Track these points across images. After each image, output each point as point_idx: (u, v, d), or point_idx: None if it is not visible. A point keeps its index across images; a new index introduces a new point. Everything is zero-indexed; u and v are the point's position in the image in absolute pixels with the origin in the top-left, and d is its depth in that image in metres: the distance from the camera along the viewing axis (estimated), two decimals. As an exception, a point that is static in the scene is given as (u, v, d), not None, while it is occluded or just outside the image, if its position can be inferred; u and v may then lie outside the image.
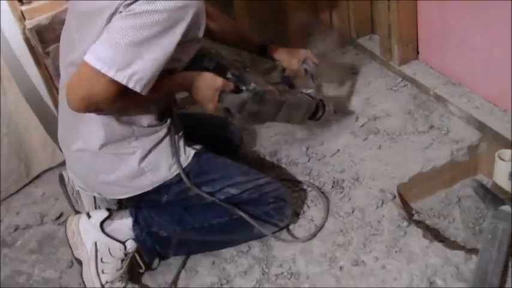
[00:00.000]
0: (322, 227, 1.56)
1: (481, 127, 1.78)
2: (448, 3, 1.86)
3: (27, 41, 1.78)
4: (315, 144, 1.87)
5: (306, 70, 1.69)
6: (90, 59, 1.17)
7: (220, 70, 1.47)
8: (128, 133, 1.37)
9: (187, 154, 1.45)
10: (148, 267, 1.54)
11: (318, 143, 1.87)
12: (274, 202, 1.50)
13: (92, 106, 1.23)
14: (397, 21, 2.03)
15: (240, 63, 1.61)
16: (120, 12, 1.16)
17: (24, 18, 1.75)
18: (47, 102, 1.93)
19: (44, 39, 1.77)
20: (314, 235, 1.54)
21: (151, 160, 1.41)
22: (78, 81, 1.21)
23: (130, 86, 1.19)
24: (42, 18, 1.74)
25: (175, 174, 1.43)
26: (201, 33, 1.30)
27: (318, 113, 1.71)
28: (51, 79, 1.87)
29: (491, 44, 1.74)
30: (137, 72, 1.19)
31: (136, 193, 1.44)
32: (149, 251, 1.49)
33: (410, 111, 1.95)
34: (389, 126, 1.90)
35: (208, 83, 1.38)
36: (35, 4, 1.76)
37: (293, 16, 2.27)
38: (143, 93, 1.22)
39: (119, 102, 1.25)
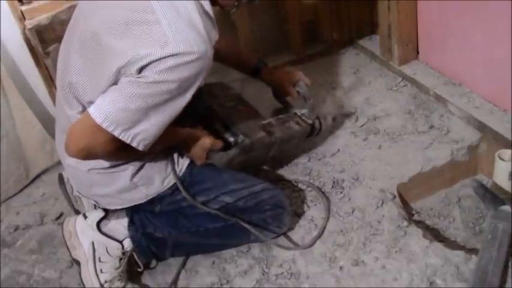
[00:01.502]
0: (322, 232, 1.55)
1: (481, 127, 1.78)
2: (448, 3, 1.86)
3: (27, 41, 1.78)
4: (315, 144, 1.87)
5: (298, 92, 1.71)
6: (97, 116, 1.16)
7: (210, 116, 1.54)
8: (121, 162, 1.38)
9: (181, 165, 1.45)
10: (147, 266, 1.54)
11: (318, 143, 1.87)
12: (271, 209, 1.48)
13: (91, 157, 1.25)
14: (397, 21, 2.03)
15: (233, 99, 1.65)
16: (131, 74, 1.13)
17: (24, 18, 1.75)
18: (47, 103, 1.93)
19: (44, 39, 1.77)
20: (315, 241, 1.53)
21: (144, 174, 1.41)
22: (80, 133, 1.21)
23: (134, 144, 1.21)
24: (42, 18, 1.74)
25: (168, 186, 1.43)
26: (203, 83, 1.26)
27: (314, 133, 1.73)
28: (51, 79, 1.87)
29: (491, 44, 1.74)
30: (142, 132, 1.19)
31: (131, 205, 1.46)
32: (145, 251, 1.49)
33: (410, 111, 1.95)
34: (389, 126, 1.90)
35: (199, 143, 1.42)
36: (35, 4, 1.76)
37: (293, 16, 2.27)
38: (144, 150, 1.24)
39: (117, 155, 1.28)
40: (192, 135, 1.43)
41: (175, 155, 1.45)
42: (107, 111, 1.16)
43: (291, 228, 1.56)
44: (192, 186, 1.44)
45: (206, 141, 1.44)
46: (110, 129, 1.16)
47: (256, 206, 1.47)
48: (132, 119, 1.17)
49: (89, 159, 1.28)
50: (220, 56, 1.65)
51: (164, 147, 1.40)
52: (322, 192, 1.67)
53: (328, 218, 1.58)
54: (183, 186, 1.42)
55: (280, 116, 1.70)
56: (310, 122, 1.70)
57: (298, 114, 1.71)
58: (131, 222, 1.47)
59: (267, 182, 1.53)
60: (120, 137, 1.18)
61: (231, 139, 1.50)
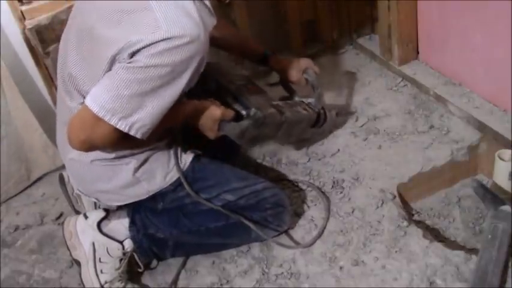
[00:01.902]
0: (322, 232, 1.55)
1: (481, 127, 1.78)
2: (448, 3, 1.86)
3: (27, 41, 1.78)
4: (315, 144, 1.87)
5: (306, 80, 1.71)
6: (93, 105, 1.16)
7: (220, 91, 1.49)
8: (124, 153, 1.38)
9: (184, 162, 1.45)
10: (147, 266, 1.54)
11: (318, 143, 1.87)
12: (271, 208, 1.48)
13: (93, 148, 1.25)
14: (397, 21, 2.03)
15: (242, 79, 1.62)
16: (124, 59, 1.14)
17: (24, 18, 1.75)
18: (47, 103, 1.93)
19: (44, 39, 1.77)
20: (315, 240, 1.53)
21: (147, 169, 1.41)
22: (79, 125, 1.21)
23: (132, 133, 1.20)
24: (42, 18, 1.74)
25: (170, 182, 1.43)
26: (202, 68, 1.26)
27: (319, 123, 1.73)
28: (51, 79, 1.87)
29: (491, 44, 1.74)
30: (139, 120, 1.19)
31: (132, 201, 1.46)
32: (146, 252, 1.49)
33: (410, 111, 1.95)
34: (389, 126, 1.90)
35: (208, 114, 1.39)
36: (35, 4, 1.75)
37: (293, 16, 2.27)
38: (144, 139, 1.23)
39: (119, 144, 1.27)
40: (199, 107, 1.38)
41: (179, 150, 1.45)
42: (102, 100, 1.15)
43: (290, 228, 1.56)
44: (195, 183, 1.43)
45: (216, 111, 1.39)
46: (106, 119, 1.16)
47: (257, 204, 1.47)
48: (128, 107, 1.16)
49: (92, 150, 1.27)
50: (228, 45, 1.67)
51: (170, 126, 1.38)
52: (322, 192, 1.67)
53: (328, 218, 1.58)
54: (187, 181, 1.41)
55: (288, 101, 1.69)
56: (316, 110, 1.69)
57: (305, 102, 1.71)
58: (132, 223, 1.47)
59: (267, 181, 1.53)
60: (118, 126, 1.18)
61: (244, 112, 1.46)
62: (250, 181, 1.49)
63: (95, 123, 1.18)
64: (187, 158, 1.45)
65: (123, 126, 1.18)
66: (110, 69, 1.17)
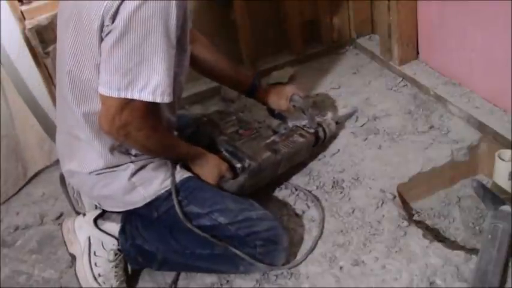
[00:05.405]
0: (315, 246, 1.51)
1: (481, 127, 1.78)
2: (448, 3, 1.86)
3: (27, 41, 1.78)
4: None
5: (294, 106, 1.74)
6: (109, 92, 1.20)
7: (213, 144, 1.59)
8: (124, 160, 1.40)
9: (183, 172, 1.45)
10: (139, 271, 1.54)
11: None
12: (262, 246, 1.40)
13: (127, 129, 1.26)
14: (397, 21, 2.03)
15: (233, 124, 1.69)
16: (107, 25, 1.18)
17: (24, 18, 1.75)
18: (46, 102, 1.93)
19: (44, 39, 1.77)
20: (306, 255, 1.49)
21: (143, 175, 1.41)
22: (106, 112, 1.24)
23: (158, 100, 1.23)
24: (42, 18, 1.75)
25: (166, 189, 1.42)
26: (189, 23, 1.34)
27: (319, 141, 1.75)
28: (51, 79, 1.87)
29: (491, 44, 1.74)
30: (158, 85, 1.22)
31: (129, 208, 1.45)
32: (133, 261, 1.49)
33: (410, 111, 1.95)
34: (389, 126, 1.90)
35: (215, 165, 1.50)
36: (35, 4, 1.76)
37: (293, 16, 2.27)
38: (169, 101, 1.26)
39: (152, 122, 1.29)
40: (210, 157, 1.49)
41: (179, 164, 1.46)
42: (113, 82, 1.20)
43: (285, 263, 1.46)
44: (191, 193, 1.43)
45: (223, 166, 1.50)
46: (128, 96, 1.20)
47: (247, 237, 1.39)
48: (141, 75, 1.20)
49: (127, 136, 1.28)
50: (216, 71, 1.72)
51: (183, 154, 1.46)
52: (316, 198, 1.64)
53: (323, 219, 1.57)
54: (178, 193, 1.41)
55: (283, 132, 1.73)
56: (312, 131, 1.72)
57: (300, 126, 1.74)
58: (122, 231, 1.47)
59: (266, 211, 1.46)
60: (141, 98, 1.21)
61: (238, 165, 1.53)
62: (246, 205, 1.44)
63: (119, 105, 1.22)
64: (186, 173, 1.46)
65: (146, 97, 1.21)
66: (100, 37, 1.20)
